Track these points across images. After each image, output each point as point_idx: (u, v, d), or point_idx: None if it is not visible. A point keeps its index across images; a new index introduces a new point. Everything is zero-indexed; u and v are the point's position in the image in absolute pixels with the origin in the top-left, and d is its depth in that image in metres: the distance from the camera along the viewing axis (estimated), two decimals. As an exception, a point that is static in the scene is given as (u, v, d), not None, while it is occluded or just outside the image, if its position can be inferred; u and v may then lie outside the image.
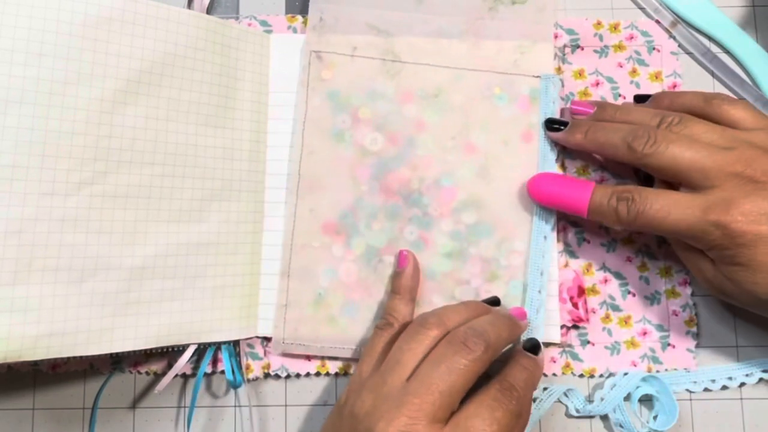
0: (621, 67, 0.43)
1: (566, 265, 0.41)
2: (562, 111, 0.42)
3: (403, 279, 0.39)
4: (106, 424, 0.41)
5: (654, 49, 0.43)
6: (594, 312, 0.41)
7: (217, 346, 0.40)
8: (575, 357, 0.41)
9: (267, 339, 0.41)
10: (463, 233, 0.41)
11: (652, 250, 0.41)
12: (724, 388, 0.40)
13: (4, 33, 0.33)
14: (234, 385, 0.39)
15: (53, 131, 0.34)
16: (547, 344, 0.40)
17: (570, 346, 0.41)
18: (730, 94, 0.43)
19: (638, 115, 0.37)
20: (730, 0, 0.44)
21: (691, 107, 0.37)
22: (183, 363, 0.39)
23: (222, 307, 0.40)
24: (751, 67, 0.43)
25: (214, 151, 0.40)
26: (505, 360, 0.36)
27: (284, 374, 0.41)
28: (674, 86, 0.43)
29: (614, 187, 0.37)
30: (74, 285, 0.35)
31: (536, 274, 0.40)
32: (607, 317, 0.41)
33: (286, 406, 0.41)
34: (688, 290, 0.41)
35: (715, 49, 0.43)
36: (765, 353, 0.41)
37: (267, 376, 0.41)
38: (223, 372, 0.40)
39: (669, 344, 0.40)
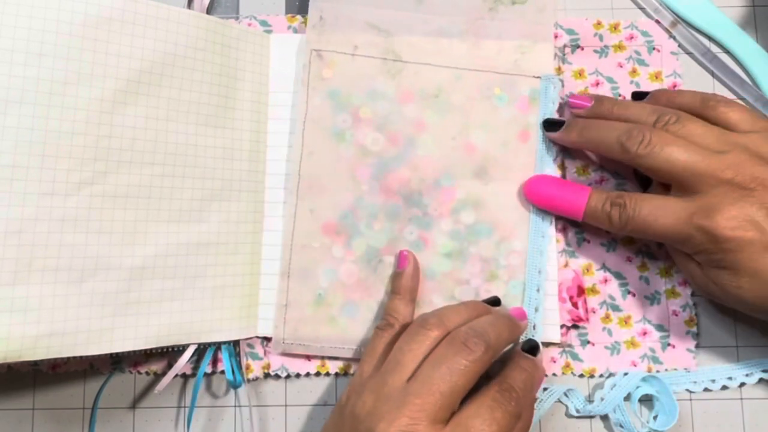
0: (621, 67, 0.43)
1: (566, 265, 0.41)
2: (561, 106, 0.42)
3: (404, 279, 0.39)
4: (106, 424, 0.41)
5: (654, 49, 0.43)
6: (594, 312, 0.41)
7: (217, 346, 0.40)
8: (575, 357, 0.41)
9: (267, 339, 0.41)
10: (463, 233, 0.41)
11: (652, 250, 0.41)
12: (724, 388, 0.40)
13: (4, 33, 0.33)
14: (234, 385, 0.39)
15: (53, 131, 0.34)
16: (547, 344, 0.40)
17: (570, 346, 0.41)
18: (730, 94, 0.43)
19: (636, 111, 0.37)
20: (730, 0, 0.44)
21: (688, 107, 0.37)
22: (183, 363, 0.39)
23: (222, 307, 0.40)
24: (751, 67, 0.43)
25: (214, 151, 0.40)
26: (504, 361, 0.36)
27: (284, 374, 0.41)
28: (674, 86, 0.43)
29: (609, 192, 0.37)
30: (74, 285, 0.35)
31: (534, 273, 0.40)
32: (607, 317, 0.41)
33: (286, 406, 0.41)
34: (688, 290, 0.41)
35: (715, 49, 0.43)
36: (765, 353, 0.41)
37: (267, 376, 0.41)
38: (223, 372, 0.40)
39: (669, 344, 0.40)
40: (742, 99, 0.42)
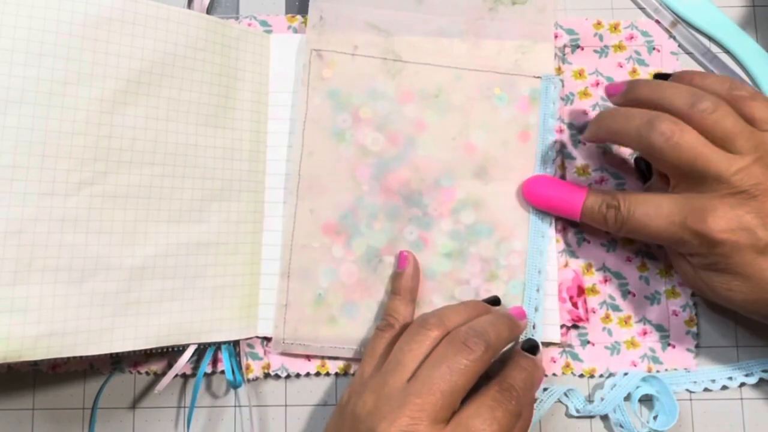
0: (621, 67, 0.43)
1: (566, 265, 0.41)
2: (561, 107, 0.42)
3: (404, 280, 0.39)
4: (106, 424, 0.41)
5: (654, 49, 0.43)
6: (594, 312, 0.41)
7: (217, 346, 0.40)
8: (575, 357, 0.41)
9: (267, 339, 0.41)
10: (463, 233, 0.41)
11: (652, 250, 0.41)
12: (724, 388, 0.40)
13: (4, 33, 0.33)
14: (234, 385, 0.39)
15: (53, 131, 0.34)
16: (547, 344, 0.40)
17: (570, 346, 0.41)
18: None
19: (671, 93, 0.35)
20: (730, 0, 0.44)
21: (714, 92, 0.35)
22: (183, 363, 0.39)
23: (222, 307, 0.40)
24: (751, 67, 0.43)
25: (214, 151, 0.40)
26: (504, 360, 0.36)
27: (284, 374, 0.41)
28: (674, 86, 0.43)
29: (605, 193, 0.37)
30: (74, 285, 0.35)
31: (534, 273, 0.40)
32: (607, 317, 0.41)
33: (286, 406, 0.41)
34: (688, 290, 0.41)
35: (715, 49, 0.43)
36: (765, 353, 0.41)
37: (267, 376, 0.41)
38: (223, 372, 0.40)
39: (669, 344, 0.40)
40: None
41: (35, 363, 0.41)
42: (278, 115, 0.43)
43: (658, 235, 0.35)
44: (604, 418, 0.40)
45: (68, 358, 0.38)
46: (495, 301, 0.39)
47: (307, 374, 0.41)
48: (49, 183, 0.34)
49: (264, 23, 0.44)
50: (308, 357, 0.41)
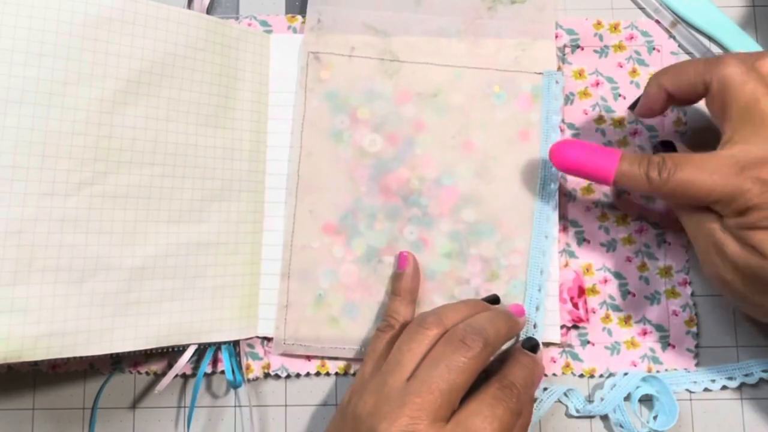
0: (621, 67, 0.43)
1: (566, 265, 0.41)
2: (565, 102, 0.42)
3: (404, 281, 0.39)
4: (106, 424, 0.41)
5: (654, 49, 0.43)
6: (594, 312, 0.41)
7: (217, 346, 0.40)
8: (575, 357, 0.41)
9: (267, 339, 0.41)
10: (463, 233, 0.41)
11: (652, 250, 0.41)
12: (724, 388, 0.40)
13: (4, 33, 0.33)
14: (234, 385, 0.39)
15: (53, 131, 0.34)
16: (547, 344, 0.40)
17: (570, 346, 0.41)
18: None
19: (729, 54, 0.35)
20: (730, 0, 0.44)
21: None
22: (183, 363, 0.39)
23: (222, 307, 0.40)
24: (751, 67, 0.42)
25: (214, 151, 0.40)
26: (504, 359, 0.36)
27: (284, 374, 0.41)
28: (674, 86, 0.43)
29: (641, 154, 0.35)
30: (74, 285, 0.35)
31: (536, 273, 0.40)
32: (607, 317, 0.41)
33: (286, 406, 0.41)
34: (688, 290, 0.41)
35: (715, 49, 0.43)
36: (765, 353, 0.41)
37: (267, 376, 0.41)
38: (223, 372, 0.40)
39: (669, 344, 0.40)
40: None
41: (35, 363, 0.41)
42: (278, 115, 0.43)
43: (711, 189, 0.32)
44: (604, 418, 0.40)
45: (68, 358, 0.38)
46: (494, 300, 0.39)
47: (307, 374, 0.41)
48: (49, 183, 0.34)
49: (264, 23, 0.44)
50: (308, 357, 0.41)
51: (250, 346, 0.41)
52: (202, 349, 0.40)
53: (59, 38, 0.35)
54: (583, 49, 0.43)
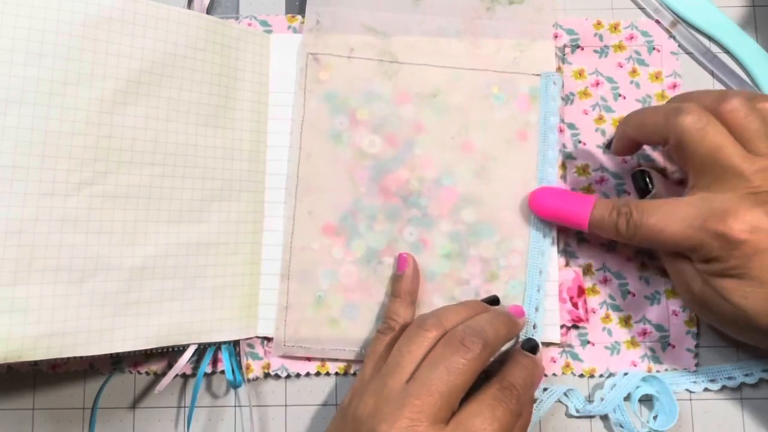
0: (621, 67, 0.43)
1: (566, 265, 0.41)
2: (562, 103, 0.42)
3: (403, 282, 0.39)
4: (106, 424, 0.41)
5: (654, 49, 0.43)
6: (594, 312, 0.41)
7: (217, 346, 0.40)
8: (575, 357, 0.41)
9: (267, 339, 0.41)
10: (463, 233, 0.41)
11: (652, 250, 0.41)
12: (724, 388, 0.40)
13: (4, 33, 0.33)
14: (234, 385, 0.39)
15: (53, 131, 0.34)
16: (547, 344, 0.40)
17: (570, 346, 0.41)
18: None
19: (699, 93, 0.36)
20: (730, 0, 0.44)
21: None
22: (183, 363, 0.39)
23: (222, 307, 0.40)
24: (751, 67, 0.43)
25: (214, 151, 0.40)
26: (503, 360, 0.36)
27: (284, 374, 0.41)
28: (674, 86, 0.43)
29: (614, 201, 0.37)
30: (74, 285, 0.35)
31: (535, 273, 0.40)
32: (607, 317, 0.41)
33: (286, 406, 0.41)
34: (688, 290, 0.41)
35: (715, 49, 0.43)
36: (765, 353, 0.41)
37: (267, 376, 0.41)
38: (223, 372, 0.40)
39: (669, 344, 0.40)
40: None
41: (35, 363, 0.41)
42: (278, 115, 0.43)
43: (674, 240, 0.34)
44: (604, 418, 0.40)
45: (68, 358, 0.38)
46: (494, 301, 0.39)
47: (307, 374, 0.41)
48: (49, 183, 0.34)
49: (264, 23, 0.44)
50: (308, 357, 0.41)
51: (250, 346, 0.41)
52: (202, 349, 0.40)
53: (59, 38, 0.35)
54: (583, 49, 0.43)
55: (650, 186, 0.39)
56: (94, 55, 0.36)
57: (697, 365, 0.40)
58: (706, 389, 0.40)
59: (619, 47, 0.43)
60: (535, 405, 0.39)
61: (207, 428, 0.41)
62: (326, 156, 0.42)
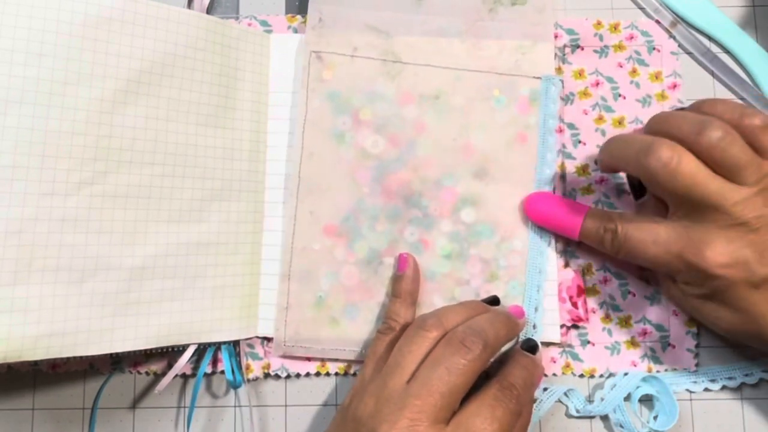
0: (621, 67, 0.43)
1: (566, 265, 0.41)
2: (562, 107, 0.42)
3: (404, 283, 0.39)
4: (106, 424, 0.41)
5: (654, 49, 0.43)
6: (594, 312, 0.41)
7: (217, 346, 0.40)
8: (575, 357, 0.41)
9: (267, 339, 0.41)
10: (463, 234, 0.41)
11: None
12: (724, 388, 0.40)
13: (4, 33, 0.33)
14: (234, 385, 0.39)
15: (53, 131, 0.34)
16: (547, 344, 0.40)
17: (570, 346, 0.41)
18: (730, 95, 0.43)
19: (679, 120, 0.34)
20: (730, 0, 0.44)
21: (724, 120, 0.34)
22: (183, 363, 0.39)
23: (222, 307, 0.40)
24: (751, 67, 0.43)
25: (214, 151, 0.40)
26: (503, 360, 0.36)
27: (284, 374, 0.41)
28: (674, 86, 0.43)
29: (604, 215, 0.37)
30: (74, 285, 0.35)
31: (534, 272, 0.40)
32: (607, 317, 0.41)
33: (286, 406, 0.41)
34: (688, 290, 0.41)
35: (715, 49, 0.43)
36: (765, 353, 0.41)
37: (267, 376, 0.41)
38: (223, 372, 0.40)
39: (669, 344, 0.40)
40: (742, 99, 0.42)
41: (35, 363, 0.41)
42: (278, 115, 0.43)
43: (654, 262, 0.35)
44: (604, 418, 0.40)
45: (68, 358, 0.38)
46: (494, 301, 0.39)
47: (307, 374, 0.41)
48: (49, 183, 0.34)
49: (264, 23, 0.44)
50: (308, 357, 0.41)
51: (250, 346, 0.41)
52: (202, 349, 0.40)
53: (59, 38, 0.35)
54: (583, 49, 0.43)
55: (643, 189, 0.39)
56: (94, 55, 0.36)
57: (697, 365, 0.40)
58: (706, 389, 0.40)
59: (619, 47, 0.43)
60: (535, 405, 0.39)
61: (207, 428, 0.41)
62: (329, 156, 0.42)
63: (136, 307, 0.37)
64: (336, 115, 0.42)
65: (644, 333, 0.41)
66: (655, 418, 0.40)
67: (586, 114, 0.43)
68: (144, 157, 0.37)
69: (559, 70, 0.43)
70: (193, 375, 0.41)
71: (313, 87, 0.42)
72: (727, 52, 0.43)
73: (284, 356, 0.41)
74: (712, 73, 0.43)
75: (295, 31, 0.44)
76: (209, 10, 0.44)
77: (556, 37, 0.43)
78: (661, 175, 0.33)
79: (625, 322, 0.41)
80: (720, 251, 0.33)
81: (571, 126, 0.43)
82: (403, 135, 0.42)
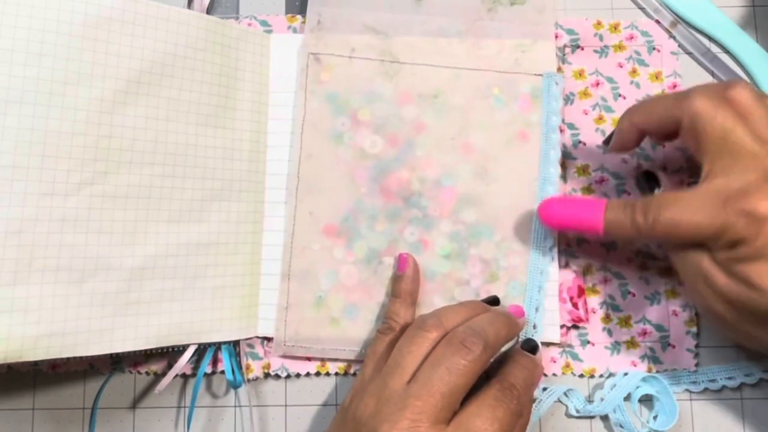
0: (621, 67, 0.43)
1: (566, 265, 0.41)
2: (564, 104, 0.42)
3: (404, 283, 0.39)
4: (106, 424, 0.41)
5: (654, 49, 0.43)
6: (594, 312, 0.41)
7: (217, 346, 0.40)
8: (575, 357, 0.41)
9: (267, 339, 0.41)
10: (463, 234, 0.41)
11: (652, 250, 0.41)
12: (724, 388, 0.40)
13: (4, 33, 0.33)
14: (234, 385, 0.39)
15: (53, 131, 0.34)
16: (547, 344, 0.40)
17: (570, 346, 0.41)
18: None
19: (701, 87, 0.35)
20: (730, 0, 0.44)
21: None
22: (183, 363, 0.39)
23: (222, 307, 0.40)
24: (751, 67, 0.43)
25: (214, 151, 0.40)
26: (503, 360, 0.36)
27: (284, 374, 0.41)
28: (674, 86, 0.43)
29: (624, 202, 0.35)
30: (74, 285, 0.35)
31: (536, 273, 0.40)
32: (607, 317, 0.41)
33: (286, 406, 0.41)
34: (688, 290, 0.41)
35: (715, 49, 0.43)
36: (765, 354, 0.41)
37: (267, 376, 0.41)
38: (223, 372, 0.40)
39: (669, 344, 0.40)
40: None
41: (35, 363, 0.41)
42: (278, 115, 0.43)
43: (698, 227, 0.32)
44: (604, 418, 0.40)
45: (68, 358, 0.38)
46: (494, 301, 0.39)
47: (307, 374, 0.41)
48: (49, 183, 0.34)
49: (264, 23, 0.44)
50: (308, 357, 0.41)
51: (250, 346, 0.41)
52: (202, 349, 0.40)
53: (59, 38, 0.35)
54: (583, 49, 0.43)
55: (657, 187, 0.39)
56: (94, 55, 0.36)
57: (697, 365, 0.40)
58: (706, 389, 0.40)
59: (619, 47, 0.43)
60: (534, 405, 0.39)
61: (207, 428, 0.41)
62: (327, 156, 0.42)
63: (136, 307, 0.37)
64: (335, 117, 0.42)
65: (644, 333, 0.41)
66: (655, 418, 0.40)
67: (586, 114, 0.43)
68: (144, 157, 0.37)
69: (559, 70, 0.43)
70: (193, 375, 0.41)
71: (311, 89, 0.42)
72: (727, 52, 0.43)
73: (284, 356, 0.41)
74: (712, 73, 0.43)
75: (295, 31, 0.44)
76: (209, 10, 0.44)
77: (556, 37, 0.43)
78: (704, 116, 0.33)
79: (625, 322, 0.41)
80: (766, 194, 0.31)
81: (571, 126, 0.43)
82: (402, 135, 0.42)
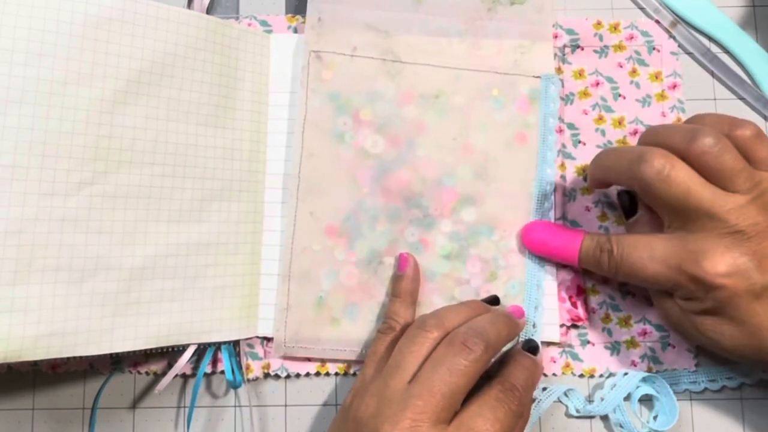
0: (621, 67, 0.43)
1: (565, 265, 0.41)
2: (561, 105, 0.42)
3: (404, 282, 0.39)
4: (106, 424, 0.41)
5: (654, 49, 0.43)
6: (594, 312, 0.41)
7: (217, 346, 0.40)
8: (575, 357, 0.41)
9: (267, 339, 0.41)
10: (463, 234, 0.41)
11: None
12: (724, 388, 0.40)
13: (4, 33, 0.33)
14: (234, 385, 0.39)
15: (53, 131, 0.34)
16: (547, 344, 0.40)
17: (570, 346, 0.41)
18: (730, 95, 0.43)
19: (670, 130, 0.34)
20: (730, 0, 0.44)
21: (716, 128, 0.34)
22: (183, 363, 0.39)
23: (222, 307, 0.40)
24: (751, 67, 0.43)
25: (214, 151, 0.40)
26: (504, 360, 0.36)
27: (284, 374, 0.41)
28: (674, 86, 0.43)
29: (599, 236, 0.37)
30: (74, 285, 0.35)
31: (534, 271, 0.40)
32: (607, 317, 0.41)
33: (286, 406, 0.41)
34: (688, 290, 0.41)
35: (715, 49, 0.43)
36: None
37: (267, 376, 0.41)
38: (223, 372, 0.40)
39: (669, 344, 0.40)
40: (742, 99, 0.42)
41: (35, 363, 0.41)
42: (278, 115, 0.43)
43: (654, 279, 0.34)
44: (604, 418, 0.40)
45: (68, 358, 0.38)
46: (494, 301, 0.39)
47: (307, 374, 0.41)
48: (49, 183, 0.34)
49: (264, 23, 0.44)
50: (308, 357, 0.41)
51: (250, 346, 0.41)
52: (202, 349, 0.40)
53: (59, 38, 0.35)
54: (583, 49, 0.43)
55: (634, 207, 0.39)
56: (94, 55, 0.36)
57: (697, 365, 0.40)
58: (706, 389, 0.40)
59: (619, 47, 0.43)
60: (534, 405, 0.39)
61: (207, 428, 0.41)
62: (328, 156, 0.42)
63: (136, 307, 0.37)
64: (337, 116, 0.42)
65: (644, 333, 0.41)
66: (655, 418, 0.40)
67: (586, 114, 0.43)
68: (144, 157, 0.37)
69: (559, 70, 0.43)
70: (193, 375, 0.41)
71: (312, 87, 0.42)
72: (727, 52, 0.43)
73: (284, 357, 0.41)
74: (712, 73, 0.43)
75: (295, 31, 0.44)
76: (209, 10, 0.44)
77: (555, 37, 0.43)
78: (655, 184, 0.33)
79: (625, 322, 0.41)
80: (718, 260, 0.32)
81: (571, 126, 0.43)
82: (403, 135, 0.42)
